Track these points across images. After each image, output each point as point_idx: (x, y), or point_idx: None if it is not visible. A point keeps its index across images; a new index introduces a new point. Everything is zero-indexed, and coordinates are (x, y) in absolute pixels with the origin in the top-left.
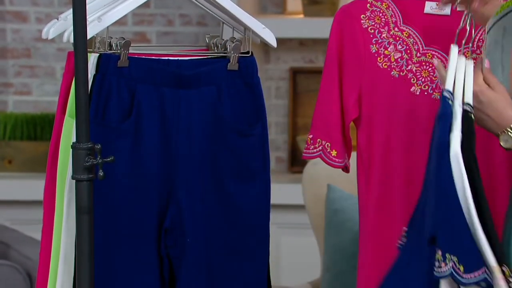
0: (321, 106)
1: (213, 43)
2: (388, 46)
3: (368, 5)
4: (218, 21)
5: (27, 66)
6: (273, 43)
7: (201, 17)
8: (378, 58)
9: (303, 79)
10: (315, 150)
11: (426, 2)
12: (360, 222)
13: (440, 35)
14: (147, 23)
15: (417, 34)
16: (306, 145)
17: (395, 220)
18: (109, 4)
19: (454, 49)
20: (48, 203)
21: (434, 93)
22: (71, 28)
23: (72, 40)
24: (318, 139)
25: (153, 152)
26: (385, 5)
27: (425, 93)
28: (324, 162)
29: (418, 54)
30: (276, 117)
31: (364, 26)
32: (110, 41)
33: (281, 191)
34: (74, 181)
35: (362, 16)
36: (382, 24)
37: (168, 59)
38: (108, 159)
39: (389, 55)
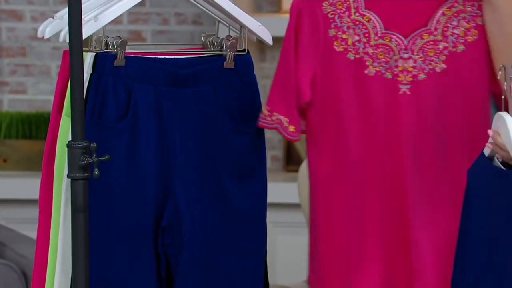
0: (279, 84)
1: (209, 42)
2: (347, 30)
3: None
4: (214, 19)
5: (22, 64)
6: (269, 41)
7: (196, 15)
8: (335, 42)
9: None
10: (272, 122)
11: None
12: (311, 206)
13: (401, 19)
14: (143, 21)
15: (377, 18)
16: (263, 115)
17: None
18: (105, 3)
19: (507, 117)
20: (44, 202)
21: (387, 73)
22: (67, 27)
23: (68, 39)
24: (275, 113)
25: (150, 151)
26: None
27: (379, 74)
28: (281, 135)
29: (376, 37)
30: None
31: (325, 12)
32: (106, 40)
33: (277, 189)
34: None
35: (324, 2)
36: (344, 9)
37: (165, 58)
38: (104, 158)
39: (347, 38)
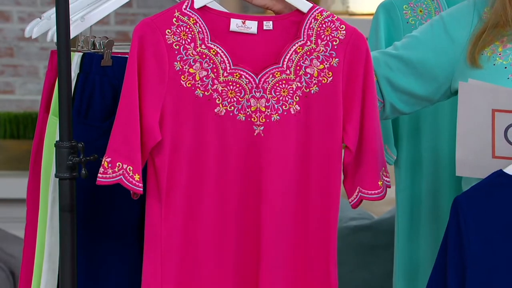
0: (121, 127)
1: None
2: (193, 64)
3: (174, 19)
4: None
5: (10, 65)
6: None
7: None
8: (182, 76)
9: None
10: (114, 175)
11: (232, 19)
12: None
13: (248, 54)
14: (130, 22)
15: (225, 53)
16: (103, 170)
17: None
18: (92, 4)
19: None
20: (31, 201)
21: (240, 114)
22: (55, 27)
23: (55, 39)
24: (118, 163)
25: None
26: (193, 20)
27: (231, 114)
28: (125, 186)
29: (225, 74)
30: None
31: (169, 42)
32: (93, 41)
33: None
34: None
35: (167, 30)
36: (189, 40)
37: None
38: (91, 158)
39: (194, 73)
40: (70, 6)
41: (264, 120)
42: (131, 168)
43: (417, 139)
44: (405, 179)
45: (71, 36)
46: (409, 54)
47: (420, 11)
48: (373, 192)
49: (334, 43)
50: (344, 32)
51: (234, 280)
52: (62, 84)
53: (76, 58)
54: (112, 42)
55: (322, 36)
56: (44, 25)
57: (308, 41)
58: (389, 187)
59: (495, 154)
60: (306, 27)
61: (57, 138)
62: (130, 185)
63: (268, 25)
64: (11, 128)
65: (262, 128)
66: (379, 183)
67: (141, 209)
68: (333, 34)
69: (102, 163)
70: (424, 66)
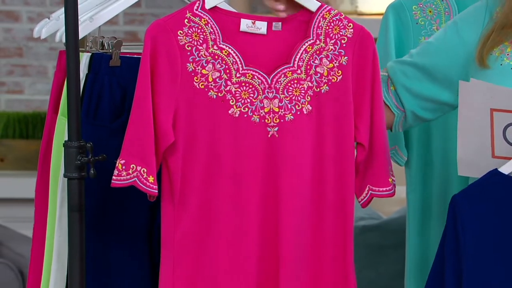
0: (134, 129)
1: None
2: (206, 65)
3: (186, 20)
4: None
5: (19, 65)
6: None
7: None
8: (195, 78)
9: None
10: (128, 177)
11: (242, 19)
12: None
13: (259, 54)
14: (138, 22)
15: (237, 53)
16: (117, 172)
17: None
18: (101, 4)
19: None
20: (40, 201)
21: (254, 116)
22: (64, 28)
23: (64, 40)
24: (132, 165)
25: None
26: (204, 21)
27: (245, 116)
28: (139, 188)
29: (238, 74)
30: None
31: (181, 43)
32: (102, 41)
33: None
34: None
35: (179, 32)
36: (201, 41)
37: None
38: (100, 158)
39: (207, 74)
40: (79, 6)
41: (278, 120)
42: (145, 170)
43: (427, 140)
44: (415, 180)
45: (80, 37)
46: (424, 60)
47: (430, 11)
48: (384, 189)
49: (343, 41)
50: (352, 30)
51: (252, 283)
52: (70, 85)
53: (84, 59)
54: (120, 42)
55: (331, 35)
56: (52, 25)
57: (318, 40)
58: (395, 184)
59: (494, 153)
60: (315, 26)
61: (66, 138)
62: (144, 187)
63: (277, 26)
64: (20, 128)
65: (276, 129)
66: (390, 180)
67: (150, 212)
68: (341, 33)
69: (116, 165)
70: (439, 71)
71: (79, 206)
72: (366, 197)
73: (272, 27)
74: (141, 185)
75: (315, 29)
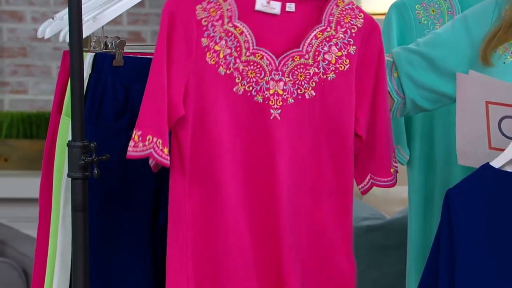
0: (150, 101)
1: None
2: (219, 41)
3: None
4: None
5: (23, 65)
6: None
7: None
8: (208, 53)
9: None
10: (144, 148)
11: None
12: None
13: (270, 35)
14: (142, 22)
15: (250, 32)
16: (133, 143)
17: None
18: (105, 4)
19: None
20: (44, 200)
21: (258, 95)
22: (67, 27)
23: (68, 39)
24: (149, 136)
25: None
26: None
27: (248, 94)
28: (155, 159)
29: (248, 53)
30: None
31: (198, 18)
32: (105, 41)
33: None
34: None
35: (198, 6)
36: (217, 17)
37: None
38: (103, 158)
39: (219, 51)
40: (82, 6)
41: (281, 103)
42: (161, 142)
43: (429, 139)
44: (418, 179)
45: (83, 36)
46: (430, 51)
47: (433, 11)
48: (385, 179)
49: (353, 30)
50: (362, 20)
51: (250, 261)
52: (74, 84)
53: (88, 58)
54: (124, 42)
55: (342, 23)
56: (56, 25)
57: (328, 27)
58: (398, 172)
59: (491, 145)
60: (328, 13)
61: (70, 138)
62: (160, 158)
63: (290, 7)
64: (24, 128)
65: (279, 111)
66: (391, 170)
67: (153, 212)
68: (352, 22)
69: (133, 136)
70: (444, 64)
71: (83, 206)
72: (367, 185)
73: (286, 8)
74: (157, 156)
75: (327, 16)
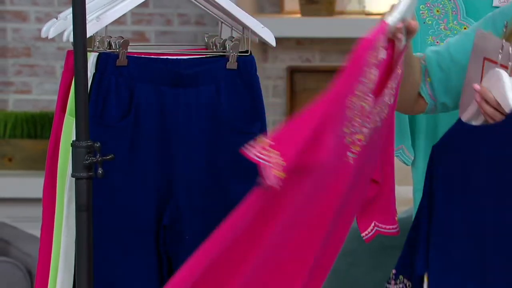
0: None
1: (211, 42)
2: None
3: None
4: (217, 20)
5: (27, 65)
6: (272, 42)
7: (199, 16)
8: None
9: (300, 78)
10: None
11: None
12: None
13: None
14: (146, 22)
15: None
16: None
17: None
18: (109, 4)
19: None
20: (47, 200)
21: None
22: (71, 27)
23: (71, 39)
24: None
25: (152, 150)
26: None
27: None
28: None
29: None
30: (273, 115)
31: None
32: (109, 40)
33: None
34: (74, 179)
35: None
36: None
37: (167, 58)
38: (108, 157)
39: None
40: (86, 6)
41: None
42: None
43: (434, 139)
44: (422, 179)
45: (87, 36)
46: (458, 54)
47: (437, 11)
48: (390, 227)
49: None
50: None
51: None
52: (78, 84)
53: (92, 58)
54: (127, 42)
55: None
56: (60, 25)
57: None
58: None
59: None
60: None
61: (73, 138)
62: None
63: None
64: (28, 128)
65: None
66: (396, 218)
67: (157, 212)
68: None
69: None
70: None
71: (87, 206)
72: (372, 233)
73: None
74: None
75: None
